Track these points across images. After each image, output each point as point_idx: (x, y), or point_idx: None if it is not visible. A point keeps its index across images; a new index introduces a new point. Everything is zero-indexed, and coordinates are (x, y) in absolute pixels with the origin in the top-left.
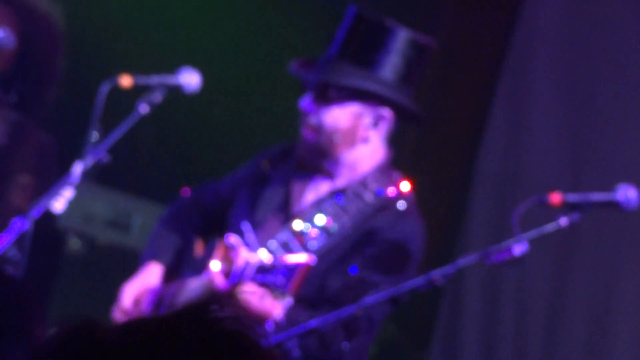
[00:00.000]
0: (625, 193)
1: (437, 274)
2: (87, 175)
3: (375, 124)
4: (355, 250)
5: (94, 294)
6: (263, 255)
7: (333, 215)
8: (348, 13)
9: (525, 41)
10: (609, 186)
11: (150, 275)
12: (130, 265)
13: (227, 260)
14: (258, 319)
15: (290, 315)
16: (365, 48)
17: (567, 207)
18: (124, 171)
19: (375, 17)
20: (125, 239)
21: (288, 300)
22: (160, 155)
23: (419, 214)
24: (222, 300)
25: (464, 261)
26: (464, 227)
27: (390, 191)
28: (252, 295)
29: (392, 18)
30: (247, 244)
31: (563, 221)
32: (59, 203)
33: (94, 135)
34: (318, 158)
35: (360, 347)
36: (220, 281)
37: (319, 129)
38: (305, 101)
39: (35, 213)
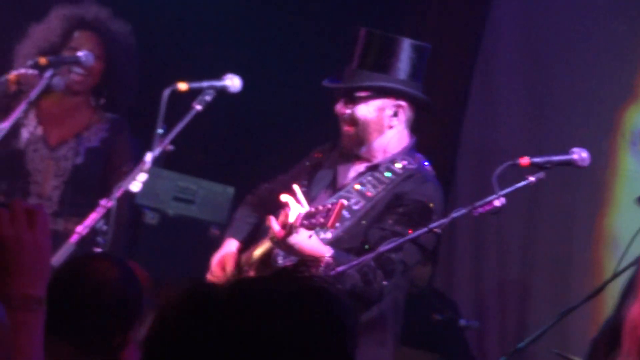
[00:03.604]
0: (580, 154)
1: (436, 225)
2: (156, 161)
3: (396, 113)
4: (388, 210)
5: (167, 255)
6: (308, 207)
7: (370, 185)
8: (358, 33)
9: (494, 37)
10: (564, 150)
11: (229, 246)
12: (195, 231)
13: (284, 216)
14: (313, 260)
15: (340, 258)
16: (378, 56)
17: (534, 168)
18: (185, 157)
19: (382, 32)
20: (189, 211)
21: (329, 233)
22: (212, 143)
23: (437, 181)
24: (308, 263)
25: (456, 214)
26: (454, 187)
27: (414, 165)
28: (304, 241)
29: (389, 26)
30: (298, 201)
31: (531, 179)
32: (136, 185)
33: (160, 130)
34: (357, 146)
35: (396, 286)
36: (278, 231)
37: (355, 123)
38: (338, 106)
39: (117, 193)
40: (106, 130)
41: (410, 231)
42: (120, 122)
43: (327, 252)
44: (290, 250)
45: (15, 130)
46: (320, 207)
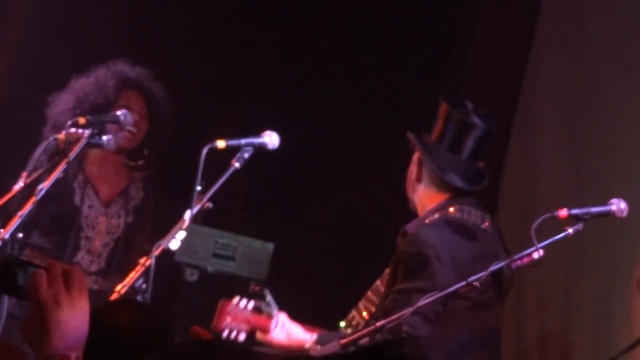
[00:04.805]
0: (618, 204)
1: (474, 278)
2: (195, 219)
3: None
4: (396, 272)
5: (207, 312)
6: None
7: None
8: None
9: (533, 87)
10: (603, 201)
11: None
12: (235, 287)
13: None
14: (300, 350)
15: (325, 341)
16: (452, 136)
17: (572, 219)
18: (224, 214)
19: (461, 116)
20: (229, 267)
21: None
22: (251, 199)
23: (443, 229)
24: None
25: (495, 267)
26: None
27: (436, 217)
28: (280, 336)
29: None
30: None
31: (569, 230)
32: (174, 242)
33: (199, 188)
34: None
35: (431, 338)
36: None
37: None
38: None
39: (156, 251)
40: (143, 189)
41: (417, 283)
42: (152, 181)
43: (309, 338)
44: (274, 345)
45: (67, 186)
46: None
